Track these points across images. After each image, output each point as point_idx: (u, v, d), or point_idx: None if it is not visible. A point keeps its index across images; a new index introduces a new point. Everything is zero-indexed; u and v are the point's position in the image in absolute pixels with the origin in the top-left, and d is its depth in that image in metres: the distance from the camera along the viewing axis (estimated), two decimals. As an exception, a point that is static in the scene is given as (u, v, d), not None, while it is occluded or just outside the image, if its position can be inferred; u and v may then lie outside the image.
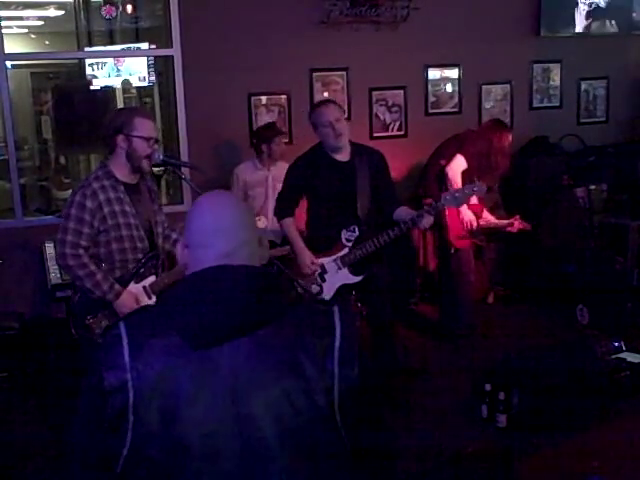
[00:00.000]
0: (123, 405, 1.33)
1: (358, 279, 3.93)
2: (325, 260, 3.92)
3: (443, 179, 4.94)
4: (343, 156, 3.89)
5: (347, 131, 3.85)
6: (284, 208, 4.02)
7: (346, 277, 3.91)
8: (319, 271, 3.93)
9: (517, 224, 5.04)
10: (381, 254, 3.97)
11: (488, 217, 5.14)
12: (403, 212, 3.88)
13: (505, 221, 5.11)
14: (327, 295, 3.92)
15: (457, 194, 3.80)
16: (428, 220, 3.76)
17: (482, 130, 5.22)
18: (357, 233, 3.87)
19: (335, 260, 3.91)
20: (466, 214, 4.96)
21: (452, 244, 5.04)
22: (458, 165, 4.88)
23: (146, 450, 1.33)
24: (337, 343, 1.38)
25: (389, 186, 4.02)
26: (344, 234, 3.88)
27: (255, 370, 1.34)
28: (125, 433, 1.33)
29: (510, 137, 5.05)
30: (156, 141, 3.22)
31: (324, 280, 3.93)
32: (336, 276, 3.91)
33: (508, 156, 5.08)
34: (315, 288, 3.92)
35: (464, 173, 4.87)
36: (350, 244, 3.88)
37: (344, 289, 3.94)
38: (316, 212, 4.02)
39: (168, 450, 1.33)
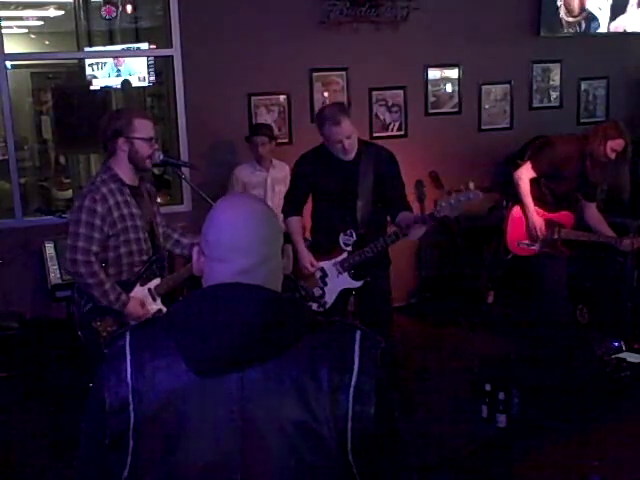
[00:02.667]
0: (124, 428, 1.27)
1: (359, 284, 3.85)
2: (326, 264, 3.85)
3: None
4: (347, 156, 3.75)
5: (355, 137, 3.71)
6: (289, 206, 3.95)
7: (347, 282, 3.85)
8: (320, 274, 3.87)
9: (628, 242, 4.38)
10: (384, 258, 3.89)
11: (602, 229, 4.56)
12: (403, 217, 3.69)
13: (612, 236, 4.49)
14: (329, 298, 3.88)
15: (452, 201, 3.45)
16: (419, 231, 3.55)
17: (570, 136, 4.61)
18: (354, 238, 3.78)
19: (335, 264, 3.84)
20: (532, 219, 4.49)
21: (509, 250, 4.62)
22: (526, 173, 4.43)
23: (145, 476, 1.27)
24: (354, 378, 1.26)
25: (395, 188, 3.84)
26: (342, 238, 3.80)
27: (265, 402, 1.24)
28: (125, 455, 1.27)
29: (607, 145, 4.27)
30: (156, 140, 3.21)
31: (325, 284, 3.87)
32: (337, 280, 3.85)
33: (598, 165, 4.35)
34: (317, 291, 3.88)
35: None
36: (349, 248, 3.79)
37: (346, 293, 3.89)
38: (318, 213, 3.96)
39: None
